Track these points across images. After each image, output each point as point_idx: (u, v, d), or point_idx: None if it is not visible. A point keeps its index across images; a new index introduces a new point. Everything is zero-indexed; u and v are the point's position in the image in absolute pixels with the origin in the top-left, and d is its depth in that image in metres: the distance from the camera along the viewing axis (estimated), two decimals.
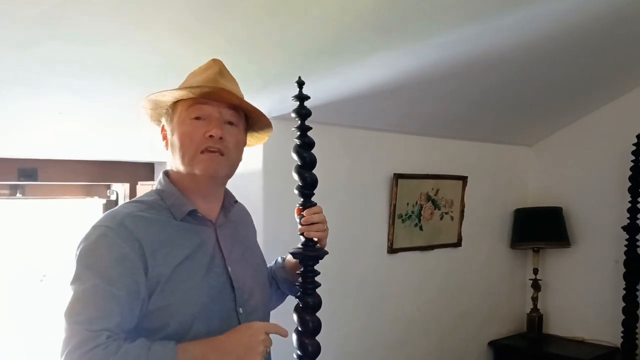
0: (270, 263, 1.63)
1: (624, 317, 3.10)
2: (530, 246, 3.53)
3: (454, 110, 2.86)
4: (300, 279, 1.42)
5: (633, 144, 3.07)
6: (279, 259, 1.63)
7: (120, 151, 2.82)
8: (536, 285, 3.50)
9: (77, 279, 1.20)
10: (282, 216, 2.36)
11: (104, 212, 1.56)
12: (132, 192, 3.11)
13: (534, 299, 3.51)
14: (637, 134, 3.07)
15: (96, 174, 3.00)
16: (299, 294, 1.43)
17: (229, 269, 1.36)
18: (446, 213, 3.22)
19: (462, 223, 3.30)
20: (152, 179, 3.12)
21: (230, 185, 1.45)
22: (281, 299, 1.64)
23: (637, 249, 3.10)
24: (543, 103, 3.08)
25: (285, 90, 1.86)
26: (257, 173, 2.43)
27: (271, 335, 1.28)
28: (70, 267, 1.23)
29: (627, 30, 2.35)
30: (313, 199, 1.43)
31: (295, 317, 1.42)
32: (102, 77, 1.82)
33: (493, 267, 3.53)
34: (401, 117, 2.81)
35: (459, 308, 3.32)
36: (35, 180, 2.77)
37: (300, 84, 1.39)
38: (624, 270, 3.12)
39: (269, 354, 1.39)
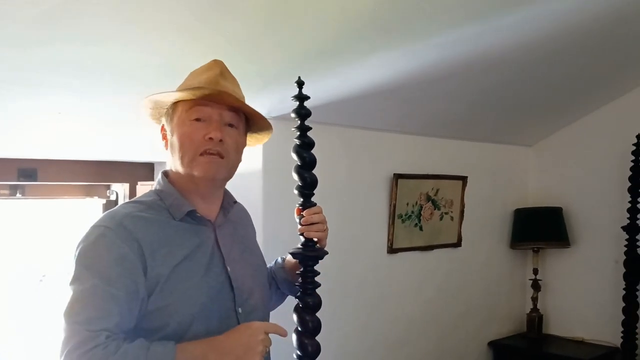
0: (270, 263, 1.63)
1: (623, 317, 3.09)
2: (530, 246, 3.53)
3: (454, 110, 2.86)
4: (300, 279, 1.42)
5: (633, 144, 3.07)
6: (279, 259, 1.63)
7: (119, 151, 2.82)
8: (536, 286, 3.50)
9: (76, 279, 1.20)
10: (282, 216, 2.36)
11: (103, 212, 1.56)
12: (132, 192, 3.11)
13: (534, 299, 3.51)
14: (637, 134, 3.07)
15: (96, 174, 3.01)
16: (298, 294, 1.43)
17: (228, 268, 1.36)
18: (446, 213, 3.22)
19: (462, 223, 3.30)
20: (151, 179, 3.12)
21: (230, 185, 1.45)
22: (281, 299, 1.64)
23: (637, 249, 3.10)
24: (543, 103, 3.08)
25: (285, 90, 1.86)
26: (256, 173, 2.43)
27: (271, 335, 1.28)
28: (69, 267, 1.23)
29: (627, 30, 2.35)
30: (313, 199, 1.43)
31: (295, 317, 1.42)
32: (102, 77, 1.82)
33: (493, 267, 3.53)
34: (401, 117, 2.81)
35: (459, 308, 3.32)
36: (35, 181, 2.77)
37: (300, 84, 1.39)
38: (624, 270, 3.12)
39: (268, 353, 1.39)
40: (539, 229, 3.47)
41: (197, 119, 1.31)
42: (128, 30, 1.55)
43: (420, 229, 3.09)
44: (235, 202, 1.50)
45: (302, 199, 1.42)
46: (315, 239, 1.41)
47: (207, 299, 1.29)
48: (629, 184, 3.09)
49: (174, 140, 1.33)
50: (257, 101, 2.06)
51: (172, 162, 1.36)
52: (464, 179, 3.27)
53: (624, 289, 3.11)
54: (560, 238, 3.43)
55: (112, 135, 2.47)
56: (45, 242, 3.17)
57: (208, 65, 1.39)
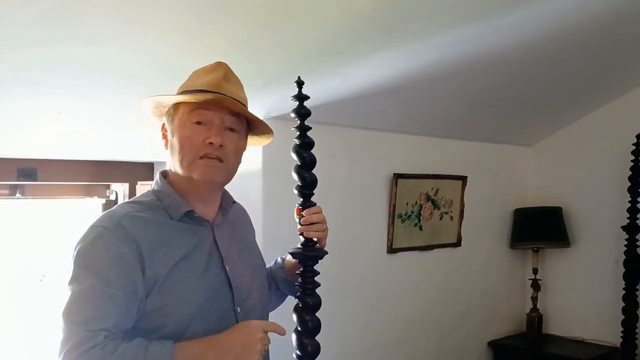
0: (269, 263, 1.63)
1: (623, 317, 3.10)
2: (530, 246, 3.53)
3: (454, 110, 2.86)
4: (299, 279, 1.42)
5: (633, 144, 3.07)
6: (279, 259, 1.63)
7: (119, 151, 2.82)
8: (536, 285, 3.50)
9: (74, 280, 1.20)
10: (282, 216, 2.36)
11: (103, 212, 1.56)
12: (132, 192, 3.11)
13: (534, 299, 3.51)
14: (637, 133, 3.07)
15: (95, 173, 3.01)
16: (298, 294, 1.43)
17: (227, 268, 1.36)
18: (446, 213, 3.22)
19: (462, 223, 3.31)
20: (151, 178, 3.12)
21: (230, 185, 1.45)
22: (281, 299, 1.64)
23: (637, 249, 3.10)
24: (543, 103, 3.08)
25: (285, 90, 1.86)
26: (256, 173, 2.43)
27: (270, 335, 1.28)
28: (68, 267, 1.23)
29: (627, 30, 2.35)
30: (313, 199, 1.43)
31: (294, 317, 1.42)
32: (102, 77, 1.82)
33: (493, 267, 3.53)
34: (401, 117, 2.81)
35: (458, 308, 3.32)
36: (35, 180, 2.77)
37: (300, 83, 1.39)
38: (624, 270, 3.12)
39: (267, 352, 1.39)
40: (539, 228, 3.47)
41: (198, 122, 1.31)
42: (128, 30, 1.55)
43: (420, 228, 3.09)
44: (234, 202, 1.50)
45: (301, 199, 1.42)
46: (315, 239, 1.41)
47: (205, 299, 1.29)
48: (629, 184, 3.09)
49: (174, 141, 1.33)
50: (257, 101, 2.06)
51: (171, 162, 1.36)
52: (463, 179, 3.27)
53: (623, 288, 3.11)
54: (560, 238, 3.43)
55: (111, 135, 2.46)
56: (45, 242, 3.17)
57: (212, 67, 1.38)
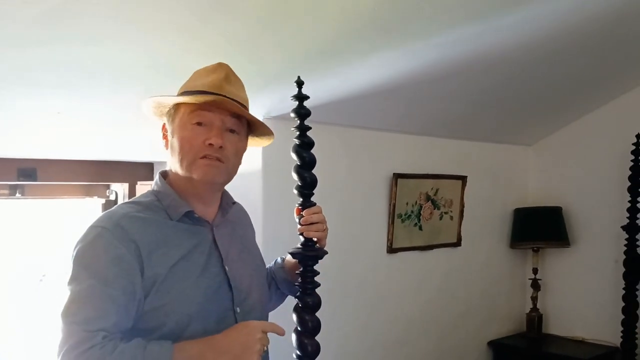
0: (269, 263, 1.63)
1: (623, 316, 3.10)
2: (530, 246, 3.53)
3: (454, 110, 2.86)
4: (299, 279, 1.42)
5: (633, 144, 3.07)
6: (279, 259, 1.63)
7: (119, 151, 2.82)
8: (536, 285, 3.51)
9: (73, 280, 1.20)
10: (282, 216, 2.36)
11: (103, 212, 1.56)
12: (132, 192, 3.11)
13: (534, 299, 3.51)
14: (637, 133, 3.07)
15: (95, 173, 3.00)
16: (298, 294, 1.43)
17: (226, 268, 1.36)
18: (446, 213, 3.22)
19: (462, 223, 3.31)
20: (151, 178, 3.12)
21: (230, 185, 1.45)
22: (281, 299, 1.64)
23: (637, 249, 3.10)
24: (543, 103, 3.08)
25: (285, 90, 1.86)
26: (256, 173, 2.43)
27: (270, 335, 1.28)
28: (68, 267, 1.23)
29: (627, 30, 2.35)
30: (313, 198, 1.43)
31: (294, 317, 1.42)
32: (102, 77, 1.82)
33: (493, 266, 3.53)
34: (401, 117, 2.81)
35: (458, 308, 3.32)
36: (35, 180, 2.77)
37: (300, 83, 1.39)
38: (624, 269, 3.11)
39: (266, 352, 1.39)
40: (539, 228, 3.47)
41: (199, 123, 1.31)
42: (128, 30, 1.55)
43: (420, 228, 3.09)
44: (234, 202, 1.50)
45: (301, 199, 1.42)
46: (315, 239, 1.41)
47: (205, 299, 1.29)
48: (629, 184, 3.09)
49: (174, 142, 1.33)
50: (257, 101, 2.06)
51: (171, 162, 1.36)
52: (463, 179, 3.27)
53: (623, 288, 3.11)
54: (560, 238, 3.43)
55: (111, 135, 2.46)
56: (45, 242, 3.17)
57: (213, 67, 1.38)
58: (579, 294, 3.49)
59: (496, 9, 1.85)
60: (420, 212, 3.08)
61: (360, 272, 2.82)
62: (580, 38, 2.31)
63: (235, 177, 1.41)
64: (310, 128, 1.40)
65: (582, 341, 3.42)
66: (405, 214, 3.00)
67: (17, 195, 2.87)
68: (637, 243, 3.10)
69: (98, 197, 3.16)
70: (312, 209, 1.41)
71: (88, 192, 3.13)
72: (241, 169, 1.42)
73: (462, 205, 3.29)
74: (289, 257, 1.55)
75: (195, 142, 1.30)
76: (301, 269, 1.42)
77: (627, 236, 3.11)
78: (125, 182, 3.12)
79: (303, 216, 1.40)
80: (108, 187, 3.19)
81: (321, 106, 2.24)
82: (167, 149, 1.38)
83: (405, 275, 3.04)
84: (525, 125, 3.42)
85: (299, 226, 1.41)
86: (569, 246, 3.46)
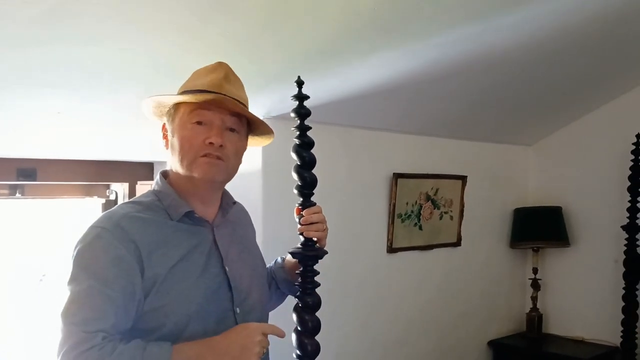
0: (269, 263, 1.63)
1: (623, 316, 3.10)
2: (530, 246, 3.53)
3: (454, 110, 2.86)
4: (299, 279, 1.42)
5: (633, 144, 3.07)
6: (279, 259, 1.63)
7: (119, 151, 2.82)
8: (536, 285, 3.51)
9: (73, 280, 1.20)
10: (282, 216, 2.36)
11: (103, 211, 1.56)
12: (132, 191, 3.11)
13: (534, 299, 3.51)
14: (636, 133, 3.07)
15: (95, 173, 3.01)
16: (298, 293, 1.43)
17: (227, 268, 1.36)
18: (446, 212, 3.22)
19: (462, 223, 3.31)
20: (151, 178, 3.12)
21: (230, 185, 1.45)
22: (281, 299, 1.64)
23: (637, 249, 3.10)
24: (543, 103, 3.08)
25: (285, 90, 1.86)
26: (256, 173, 2.43)
27: (269, 336, 1.28)
28: (68, 268, 1.23)
29: (627, 30, 2.35)
30: (313, 198, 1.43)
31: (294, 316, 1.42)
32: (101, 77, 1.82)
33: (493, 266, 3.53)
34: (401, 117, 2.81)
35: (458, 308, 3.32)
36: (35, 180, 2.77)
37: (300, 83, 1.39)
38: (624, 269, 3.12)
39: (266, 354, 1.39)
40: (539, 228, 3.47)
41: (199, 122, 1.31)
42: (128, 30, 1.55)
43: (420, 228, 3.09)
44: (235, 202, 1.50)
45: (301, 199, 1.42)
46: (315, 239, 1.41)
47: (204, 299, 1.29)
48: (629, 184, 3.09)
49: (175, 141, 1.33)
50: (257, 101, 2.06)
51: (171, 162, 1.36)
52: (463, 179, 3.27)
53: (623, 288, 3.11)
54: (560, 237, 3.43)
55: (111, 135, 2.46)
56: (45, 242, 3.17)
57: (212, 67, 1.38)
58: (579, 293, 3.49)
59: (496, 9, 1.85)
60: (420, 212, 3.08)
61: (360, 272, 2.82)
62: (580, 38, 2.31)
63: (235, 177, 1.41)
64: (310, 128, 1.40)
65: (582, 341, 3.42)
66: (405, 214, 3.00)
67: (17, 195, 2.87)
68: (637, 243, 3.10)
69: (98, 197, 3.16)
70: (312, 208, 1.41)
71: (88, 192, 3.13)
72: (241, 168, 1.42)
73: (462, 205, 3.29)
74: (289, 257, 1.55)
75: (195, 141, 1.30)
76: (301, 269, 1.42)
77: (627, 236, 3.11)
78: (125, 182, 3.12)
79: (303, 216, 1.40)
80: (108, 187, 3.19)
81: (321, 106, 2.24)
82: (167, 148, 1.38)
83: (405, 275, 3.04)
84: (525, 125, 3.42)
85: (299, 226, 1.41)
86: (569, 246, 3.46)
